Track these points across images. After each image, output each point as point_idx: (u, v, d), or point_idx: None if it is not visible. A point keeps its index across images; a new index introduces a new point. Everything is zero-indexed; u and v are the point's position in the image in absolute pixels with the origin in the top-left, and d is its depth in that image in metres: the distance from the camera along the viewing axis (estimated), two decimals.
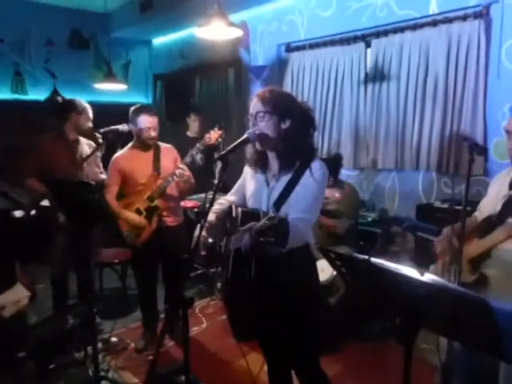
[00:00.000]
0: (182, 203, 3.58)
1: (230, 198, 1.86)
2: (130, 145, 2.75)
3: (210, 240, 1.72)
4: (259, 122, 1.57)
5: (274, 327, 1.65)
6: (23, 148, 2.84)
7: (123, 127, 2.73)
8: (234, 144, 1.57)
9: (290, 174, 1.58)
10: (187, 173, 2.59)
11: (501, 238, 1.39)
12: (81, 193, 1.89)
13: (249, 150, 1.71)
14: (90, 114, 2.93)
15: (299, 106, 1.62)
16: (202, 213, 3.69)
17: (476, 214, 1.71)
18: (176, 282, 2.75)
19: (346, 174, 3.64)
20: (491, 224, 1.47)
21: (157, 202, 2.65)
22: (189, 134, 4.41)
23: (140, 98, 5.87)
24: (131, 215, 2.64)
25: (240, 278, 1.57)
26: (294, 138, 1.56)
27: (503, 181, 1.58)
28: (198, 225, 1.68)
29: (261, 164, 1.70)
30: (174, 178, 2.60)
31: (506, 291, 1.42)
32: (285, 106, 1.57)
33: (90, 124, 2.93)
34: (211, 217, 1.77)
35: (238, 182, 1.87)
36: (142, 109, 2.65)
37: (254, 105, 1.61)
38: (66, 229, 2.77)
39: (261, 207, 1.57)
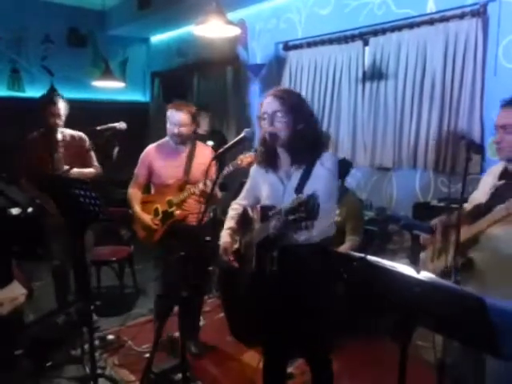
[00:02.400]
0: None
1: (242, 202, 1.90)
2: (165, 138, 2.65)
3: (236, 246, 1.77)
4: (277, 121, 1.60)
5: (294, 319, 1.70)
6: (14, 146, 2.84)
7: (120, 125, 2.71)
8: (231, 143, 1.60)
9: (302, 167, 1.62)
10: (209, 190, 2.34)
11: (486, 224, 1.45)
12: (71, 190, 1.86)
13: (259, 150, 1.74)
14: (58, 108, 2.83)
15: (308, 106, 1.69)
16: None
17: (466, 205, 1.76)
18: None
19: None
20: (479, 212, 1.52)
21: (174, 209, 2.52)
22: (199, 131, 4.33)
23: (138, 96, 5.85)
24: (142, 215, 2.56)
25: (263, 272, 1.60)
26: (307, 137, 1.61)
27: (494, 175, 1.62)
28: (222, 232, 1.78)
29: (271, 162, 1.73)
30: (197, 191, 2.44)
31: (492, 274, 1.50)
32: (300, 107, 1.63)
33: (58, 120, 2.84)
34: (230, 223, 1.84)
35: (247, 186, 1.89)
36: (173, 103, 2.56)
37: (270, 104, 1.62)
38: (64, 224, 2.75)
39: (278, 204, 1.60)
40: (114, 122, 2.79)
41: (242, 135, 1.59)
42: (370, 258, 1.07)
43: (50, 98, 2.84)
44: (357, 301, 2.17)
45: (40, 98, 3.01)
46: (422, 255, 1.88)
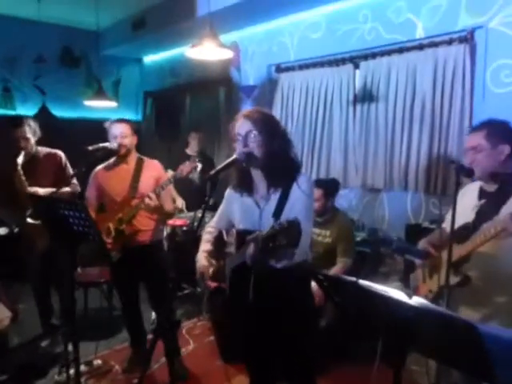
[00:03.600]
0: (171, 221, 3.63)
1: (216, 225, 1.90)
2: (111, 160, 2.71)
3: (211, 270, 1.75)
4: (251, 141, 1.60)
5: (273, 344, 1.68)
6: None
7: (112, 145, 2.71)
8: (223, 164, 1.59)
9: (279, 190, 1.62)
10: (154, 203, 2.42)
11: (479, 242, 1.49)
12: (59, 210, 1.85)
13: (233, 173, 1.73)
14: (24, 131, 2.91)
15: (281, 126, 1.68)
16: (191, 231, 3.69)
17: (444, 225, 1.80)
18: (161, 302, 2.70)
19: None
20: (468, 231, 1.56)
21: (124, 227, 2.52)
22: (188, 151, 4.40)
23: (130, 115, 5.86)
24: None
25: (238, 298, 1.59)
26: (282, 157, 1.61)
27: (472, 195, 1.69)
28: (199, 255, 1.75)
29: (246, 186, 1.72)
30: (142, 206, 2.47)
31: (487, 289, 1.55)
32: (272, 126, 1.63)
33: (25, 143, 2.93)
34: (206, 246, 1.82)
35: (221, 209, 1.88)
36: (113, 121, 2.63)
37: (243, 124, 1.63)
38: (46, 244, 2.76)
39: (253, 229, 1.58)
40: (106, 142, 2.77)
41: (233, 157, 1.61)
42: (362, 282, 1.07)
43: (16, 122, 2.93)
44: (348, 324, 2.14)
45: (9, 121, 3.10)
46: (412, 276, 1.89)
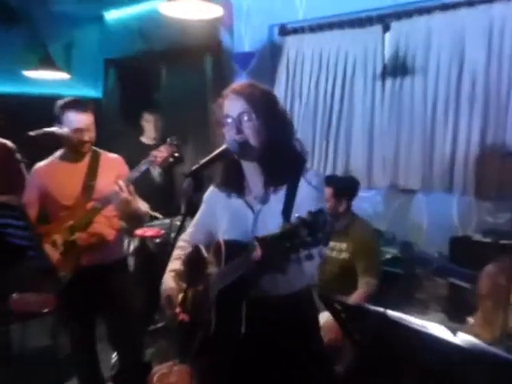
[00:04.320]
0: (140, 231, 3.67)
1: (191, 238, 1.92)
2: (57, 153, 2.72)
3: (181, 295, 1.77)
4: (244, 126, 1.63)
5: None
6: None
7: (61, 129, 2.69)
8: (211, 156, 1.59)
9: (280, 189, 1.65)
10: (124, 196, 2.46)
11: None
12: None
13: (218, 167, 1.75)
14: None
15: (281, 106, 1.73)
16: (166, 244, 3.71)
17: None
18: (124, 341, 2.74)
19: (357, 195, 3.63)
20: None
21: (77, 237, 2.54)
22: (144, 140, 4.45)
23: (86, 91, 5.83)
24: None
25: (226, 332, 1.59)
26: (285, 146, 1.66)
27: None
28: (165, 276, 1.78)
29: (236, 183, 1.76)
30: (106, 202, 2.51)
31: None
32: (272, 107, 1.68)
33: None
34: (175, 264, 1.83)
35: (198, 217, 1.93)
36: (70, 103, 2.61)
37: (233, 103, 1.65)
38: None
39: (245, 240, 1.61)
40: (53, 126, 2.72)
41: (223, 148, 1.61)
42: (392, 313, 1.08)
43: None
44: (372, 369, 2.15)
45: None
46: (470, 321, 1.87)
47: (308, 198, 1.61)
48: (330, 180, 3.05)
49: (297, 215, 1.27)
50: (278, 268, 1.42)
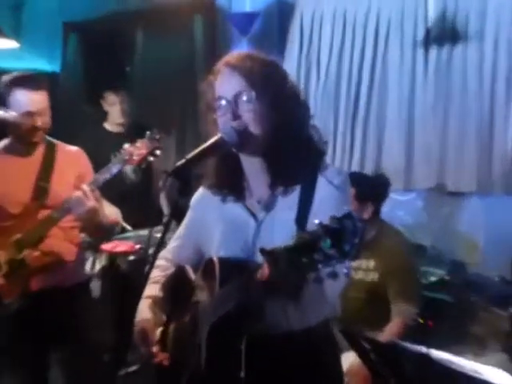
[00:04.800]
0: (109, 246, 3.67)
1: (174, 256, 1.95)
2: (2, 143, 2.75)
3: (160, 329, 1.77)
4: (243, 110, 1.65)
5: None
6: None
7: (7, 113, 2.67)
8: (200, 149, 1.59)
9: (293, 191, 1.67)
10: (89, 204, 2.45)
11: None
12: None
13: (208, 164, 1.77)
14: None
15: (292, 83, 1.74)
16: (143, 263, 3.64)
17: None
18: None
19: (391, 198, 3.57)
20: None
21: (26, 254, 2.53)
22: (107, 126, 4.53)
23: (40, 63, 5.75)
24: None
25: (220, 379, 1.58)
26: (298, 135, 1.68)
27: None
28: (140, 304, 1.76)
29: (233, 184, 1.78)
30: (65, 211, 2.50)
31: None
32: (280, 84, 1.68)
33: None
34: (153, 290, 1.83)
35: (183, 229, 1.96)
36: (19, 79, 2.62)
37: (228, 81, 1.67)
38: None
39: (245, 257, 1.64)
40: None
41: (216, 138, 1.61)
42: (437, 354, 1.09)
43: None
44: None
45: None
46: None
47: (329, 201, 1.61)
48: (353, 178, 3.07)
49: (317, 221, 1.24)
50: (290, 292, 1.43)
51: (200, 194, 1.89)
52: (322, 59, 4.15)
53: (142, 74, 5.25)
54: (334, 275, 1.22)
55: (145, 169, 4.00)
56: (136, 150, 2.59)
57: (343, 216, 1.21)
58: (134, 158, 2.60)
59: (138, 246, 3.79)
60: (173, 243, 1.97)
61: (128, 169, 3.96)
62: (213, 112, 1.71)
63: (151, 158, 2.71)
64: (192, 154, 1.56)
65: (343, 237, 1.19)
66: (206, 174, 1.80)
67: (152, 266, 1.69)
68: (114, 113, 4.47)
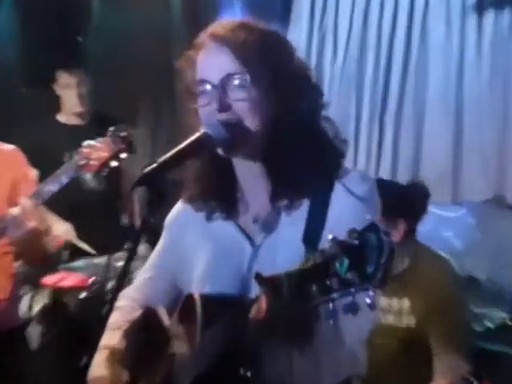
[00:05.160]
0: (53, 278, 3.59)
1: (143, 293, 1.95)
2: None
3: None
4: (235, 97, 1.63)
5: None
6: None
7: None
8: (177, 150, 1.54)
9: (301, 205, 1.68)
10: (30, 225, 2.40)
11: None
12: None
13: (190, 170, 1.76)
14: None
15: (300, 61, 1.74)
16: (99, 300, 3.60)
17: None
18: None
19: (434, 214, 3.55)
20: None
21: None
22: (61, 117, 4.52)
23: None
24: None
25: None
26: (305, 131, 1.68)
27: None
28: (96, 357, 1.74)
29: (222, 197, 1.77)
30: None
31: None
32: (281, 62, 1.67)
33: None
34: (113, 338, 1.78)
35: (157, 254, 1.97)
36: None
37: (215, 59, 1.66)
38: None
39: (238, 293, 1.65)
40: None
41: (198, 135, 1.56)
42: None
43: None
44: None
45: None
46: None
47: (349, 216, 1.58)
48: (379, 187, 3.05)
49: (330, 236, 1.20)
50: (295, 335, 1.44)
51: (178, 209, 1.89)
52: (340, 29, 4.09)
53: (99, 48, 5.18)
54: (353, 308, 1.20)
55: (109, 174, 3.93)
56: (94, 152, 2.60)
57: (365, 228, 1.19)
58: (92, 163, 2.60)
59: (92, 279, 3.73)
60: (141, 276, 1.97)
61: (87, 175, 3.73)
62: (194, 99, 1.69)
63: (114, 163, 2.73)
64: (167, 155, 1.51)
65: (365, 255, 1.18)
66: (185, 182, 1.79)
67: (112, 307, 1.66)
68: (70, 99, 4.39)
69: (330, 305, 1.21)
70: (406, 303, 2.92)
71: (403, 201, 3.00)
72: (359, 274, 1.16)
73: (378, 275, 1.17)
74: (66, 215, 3.88)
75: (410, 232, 2.99)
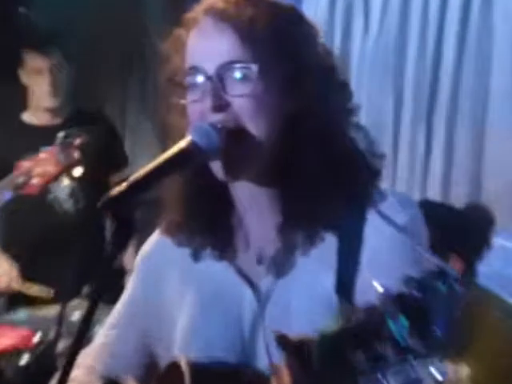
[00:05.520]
0: None
1: (103, 359, 1.90)
2: None
3: None
4: (237, 93, 1.61)
5: None
6: None
7: None
8: (156, 165, 1.48)
9: (323, 240, 1.66)
10: None
11: None
12: None
13: (171, 191, 1.72)
14: None
15: (321, 44, 1.73)
16: (46, 366, 3.59)
17: None
18: None
19: (501, 247, 3.43)
20: None
21: None
22: (26, 117, 4.49)
23: None
24: None
25: None
26: (329, 141, 1.66)
27: None
28: None
29: (214, 228, 1.75)
30: None
31: None
32: (298, 49, 1.65)
33: None
34: None
35: (121, 309, 1.91)
36: None
37: (212, 40, 1.63)
38: None
39: (238, 359, 1.65)
40: None
41: (185, 142, 1.51)
42: None
43: None
44: None
45: None
46: None
47: (390, 252, 1.61)
48: (425, 212, 3.03)
49: (378, 286, 1.17)
50: None
51: (153, 244, 1.86)
52: (372, 5, 4.03)
53: (48, 23, 5.11)
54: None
55: (93, 190, 3.97)
56: (37, 165, 2.55)
57: (429, 274, 1.16)
58: (33, 181, 2.54)
59: (37, 337, 3.63)
60: (100, 338, 1.92)
61: (61, 190, 3.81)
62: (181, 94, 1.66)
63: (65, 183, 2.82)
64: (140, 172, 1.43)
65: (431, 312, 1.13)
66: (164, 207, 1.77)
67: (65, 377, 1.47)
68: (39, 89, 4.28)
69: (384, 382, 1.08)
70: (464, 371, 2.74)
71: (458, 230, 2.97)
72: (423, 339, 1.08)
73: (450, 340, 1.10)
74: (25, 245, 3.92)
75: (468, 272, 2.90)
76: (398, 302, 1.11)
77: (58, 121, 4.22)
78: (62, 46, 4.48)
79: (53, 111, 4.26)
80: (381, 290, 1.13)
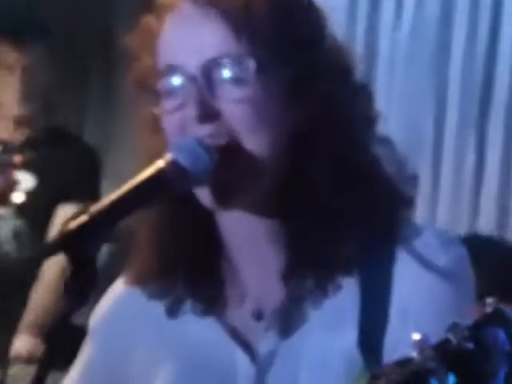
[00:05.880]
0: None
1: None
2: None
3: None
4: (230, 99, 1.65)
5: None
6: None
7: None
8: (125, 190, 1.49)
9: (340, 289, 1.70)
10: None
11: None
12: None
13: (142, 222, 1.74)
14: None
15: (333, 38, 1.77)
16: None
17: None
18: None
19: None
20: None
21: None
22: None
23: None
24: None
25: None
26: (344, 160, 1.71)
27: None
28: None
29: (196, 274, 1.78)
30: None
31: None
32: (305, 43, 1.70)
33: None
34: None
35: (76, 378, 1.93)
36: None
37: (195, 30, 1.68)
38: None
39: None
40: None
41: (162, 163, 1.53)
42: None
43: None
44: None
45: None
46: None
47: (428, 302, 1.66)
48: (473, 251, 2.93)
49: (417, 336, 1.09)
50: None
51: (116, 298, 1.91)
52: None
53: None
54: None
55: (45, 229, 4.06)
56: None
57: (482, 321, 1.14)
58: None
59: None
60: None
61: (4, 227, 3.73)
62: (155, 100, 1.71)
63: (1, 213, 2.82)
64: (105, 201, 1.45)
65: (486, 367, 1.10)
66: (132, 249, 1.80)
67: None
68: (6, 91, 4.30)
69: None
70: None
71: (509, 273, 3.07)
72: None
73: None
74: None
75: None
76: (443, 354, 1.07)
77: (20, 136, 4.13)
78: (45, 38, 4.47)
79: (19, 122, 4.19)
80: (417, 337, 1.07)
